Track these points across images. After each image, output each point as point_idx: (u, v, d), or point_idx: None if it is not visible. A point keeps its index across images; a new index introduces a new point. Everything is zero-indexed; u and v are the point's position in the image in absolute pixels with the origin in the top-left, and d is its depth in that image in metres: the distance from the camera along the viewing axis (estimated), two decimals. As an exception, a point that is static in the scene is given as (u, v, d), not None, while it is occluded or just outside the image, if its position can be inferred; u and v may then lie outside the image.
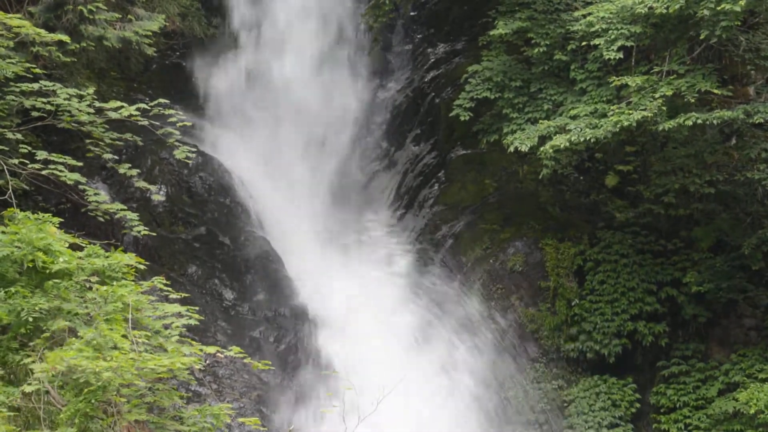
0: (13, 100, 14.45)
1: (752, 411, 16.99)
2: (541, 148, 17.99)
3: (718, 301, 19.20)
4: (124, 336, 11.05)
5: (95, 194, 14.51)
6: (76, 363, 10.42)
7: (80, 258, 12.08)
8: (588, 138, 17.45)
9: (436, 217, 21.05)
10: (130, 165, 15.36)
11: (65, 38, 15.05)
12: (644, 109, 17.16)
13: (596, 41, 17.90)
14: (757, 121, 17.40)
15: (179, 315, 12.33)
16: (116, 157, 15.81)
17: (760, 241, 18.43)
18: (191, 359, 11.26)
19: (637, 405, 18.94)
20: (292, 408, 17.24)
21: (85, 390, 10.65)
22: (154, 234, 15.17)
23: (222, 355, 12.79)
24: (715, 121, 17.15)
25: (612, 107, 17.78)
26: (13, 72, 14.33)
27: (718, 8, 16.36)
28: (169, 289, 12.80)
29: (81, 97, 14.58)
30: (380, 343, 18.29)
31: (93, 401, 10.71)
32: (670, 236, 19.84)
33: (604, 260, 19.59)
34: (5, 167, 13.80)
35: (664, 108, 17.26)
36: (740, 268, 19.04)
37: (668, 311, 19.31)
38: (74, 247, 12.39)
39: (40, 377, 10.90)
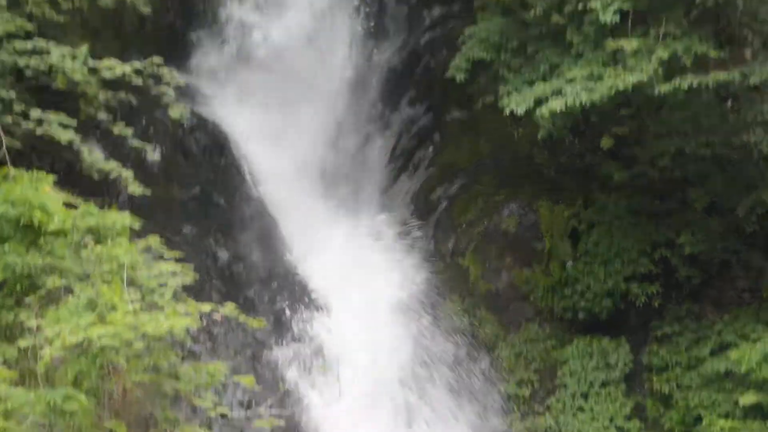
0: (7, 59, 14.39)
1: (744, 370, 17.07)
2: (537, 111, 17.97)
3: (711, 263, 19.27)
4: (121, 297, 11.12)
5: (89, 153, 14.50)
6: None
7: (75, 217, 12.11)
8: (584, 101, 17.42)
9: (430, 179, 21.09)
10: (124, 124, 15.34)
11: (57, -6, 15.00)
12: (640, 72, 17.11)
13: (593, 4, 17.79)
14: (753, 83, 17.36)
15: (174, 274, 12.40)
16: (110, 117, 15.77)
17: (754, 203, 18.45)
18: (189, 320, 11.34)
19: (630, 365, 19.05)
20: (286, 366, 17.35)
21: (90, 352, 10.73)
22: (149, 193, 15.17)
23: (220, 317, 12.89)
24: (711, 84, 17.11)
25: (608, 70, 17.73)
26: (5, 30, 14.27)
27: (715, -31, 16.29)
28: (164, 248, 12.84)
29: (74, 56, 14.53)
30: (372, 304, 18.37)
31: (97, 363, 10.81)
32: (665, 198, 19.86)
33: (599, 222, 19.63)
34: (-1, 126, 13.79)
35: (660, 71, 17.22)
36: (734, 230, 19.08)
37: (662, 272, 19.34)
38: (69, 206, 12.41)
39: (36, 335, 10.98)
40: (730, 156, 19.32)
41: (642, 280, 19.25)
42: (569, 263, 19.54)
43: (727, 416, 17.78)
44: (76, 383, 10.79)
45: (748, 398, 17.45)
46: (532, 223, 19.92)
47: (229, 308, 12.68)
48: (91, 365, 10.71)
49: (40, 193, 11.96)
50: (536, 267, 19.62)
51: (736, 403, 17.67)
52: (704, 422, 17.96)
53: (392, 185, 21.24)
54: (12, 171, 12.55)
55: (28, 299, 11.42)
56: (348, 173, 21.38)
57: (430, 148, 21.48)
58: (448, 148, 21.39)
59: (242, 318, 12.91)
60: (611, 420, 18.48)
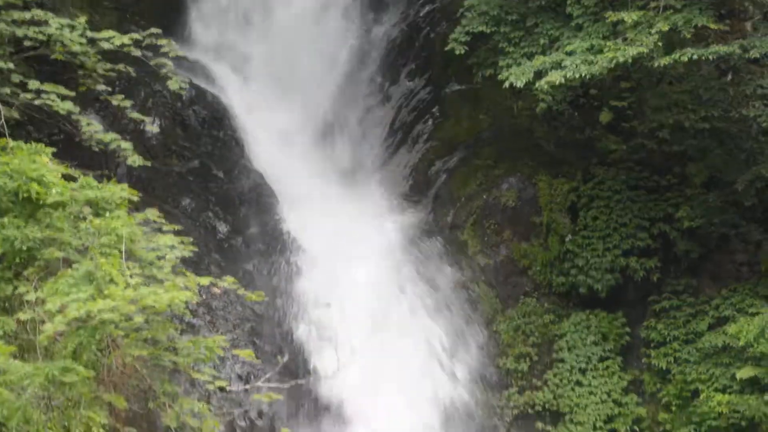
0: (5, 29, 14.30)
1: (741, 343, 17.09)
2: (537, 84, 17.91)
3: (710, 237, 19.26)
4: (120, 270, 11.10)
5: (88, 124, 14.45)
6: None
7: (73, 189, 12.07)
8: (583, 74, 17.36)
9: (429, 152, 21.03)
10: (123, 96, 15.27)
11: (53, -37, 14.89)
12: (640, 45, 17.04)
13: (593, -25, 17.72)
14: (753, 57, 17.28)
15: (173, 247, 12.37)
16: (109, 89, 15.70)
17: (753, 177, 18.42)
18: (189, 294, 11.32)
19: (627, 338, 19.09)
20: (284, 340, 17.37)
21: (89, 326, 10.72)
22: (148, 165, 15.13)
23: (219, 290, 12.86)
24: (710, 57, 17.04)
25: (608, 43, 17.66)
26: (3, 0, 14.17)
27: (717, -60, 16.19)
28: (163, 221, 12.81)
29: (73, 27, 14.45)
30: (370, 277, 18.34)
31: (96, 336, 10.81)
32: (664, 172, 19.84)
33: (598, 196, 19.60)
34: (-3, 97, 13.72)
35: (660, 44, 17.14)
36: (733, 204, 19.06)
37: (660, 247, 19.37)
38: (67, 178, 12.36)
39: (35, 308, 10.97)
40: (729, 130, 19.29)
41: (640, 254, 19.25)
42: (568, 237, 19.54)
43: (724, 390, 17.84)
44: (75, 356, 10.78)
45: (745, 372, 17.51)
46: (531, 196, 19.89)
47: (228, 281, 12.66)
48: (90, 338, 10.70)
49: (39, 165, 11.89)
50: (535, 241, 19.61)
51: (734, 377, 17.77)
52: (701, 396, 18.01)
53: (391, 158, 21.19)
54: (10, 142, 12.48)
55: (26, 272, 11.39)
56: (348, 146, 21.33)
57: (430, 122, 21.41)
58: (447, 121, 21.33)
59: (241, 291, 12.90)
60: (609, 394, 18.54)
